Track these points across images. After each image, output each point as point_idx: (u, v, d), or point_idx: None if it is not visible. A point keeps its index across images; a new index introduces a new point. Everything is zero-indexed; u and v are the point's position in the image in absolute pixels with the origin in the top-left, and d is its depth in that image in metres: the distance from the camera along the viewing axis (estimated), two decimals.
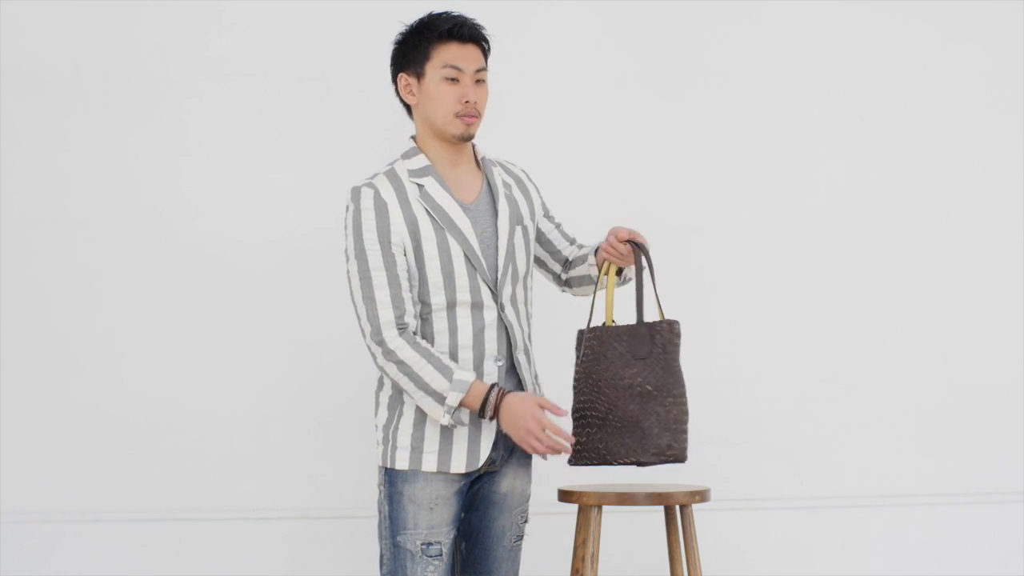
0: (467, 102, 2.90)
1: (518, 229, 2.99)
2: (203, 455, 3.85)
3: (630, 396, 2.83)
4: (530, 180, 3.12)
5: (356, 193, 2.89)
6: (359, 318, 2.87)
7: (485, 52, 2.96)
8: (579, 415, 2.91)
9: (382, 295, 2.84)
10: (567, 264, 3.13)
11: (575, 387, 2.94)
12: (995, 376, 4.05)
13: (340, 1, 3.91)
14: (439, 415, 2.83)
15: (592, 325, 2.95)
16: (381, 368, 2.87)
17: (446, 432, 2.89)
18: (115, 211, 3.86)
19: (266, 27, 3.90)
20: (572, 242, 3.15)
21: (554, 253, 3.13)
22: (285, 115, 3.90)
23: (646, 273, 2.92)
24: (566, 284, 3.15)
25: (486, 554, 3.01)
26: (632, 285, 3.01)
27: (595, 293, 3.02)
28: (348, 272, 2.89)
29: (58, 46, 3.85)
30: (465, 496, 2.95)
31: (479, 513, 3.00)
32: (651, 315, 2.97)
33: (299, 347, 3.88)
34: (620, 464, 2.84)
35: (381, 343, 2.83)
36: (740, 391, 3.97)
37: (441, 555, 2.89)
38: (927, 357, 4.04)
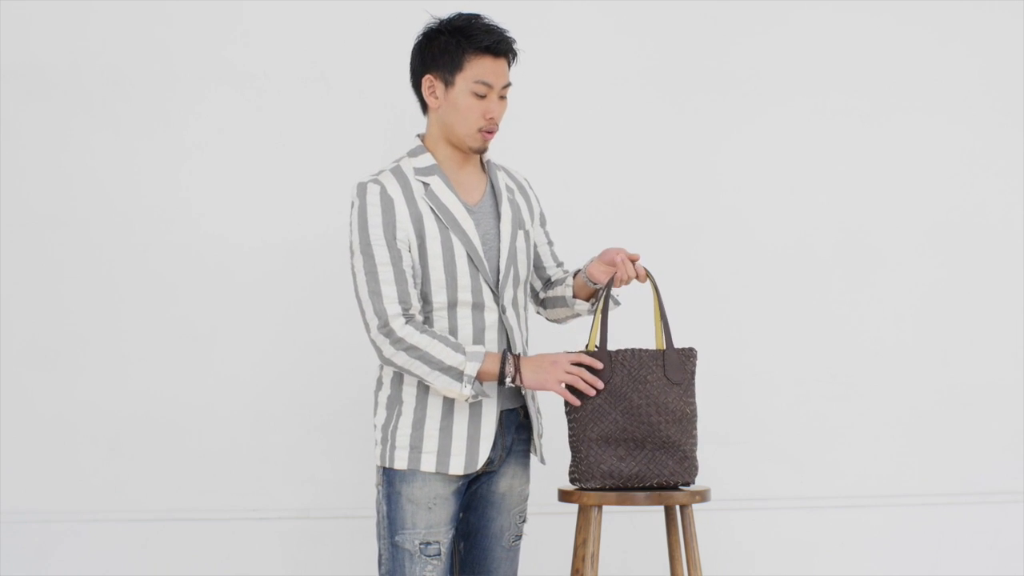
0: (491, 118, 2.90)
1: (520, 233, 2.98)
2: (203, 455, 3.85)
3: (672, 420, 2.88)
4: (531, 188, 3.11)
5: (362, 189, 2.88)
6: (363, 312, 2.85)
7: (510, 64, 2.94)
8: (603, 438, 2.87)
9: (388, 290, 2.83)
10: (548, 283, 3.13)
11: (596, 411, 2.88)
12: (995, 376, 4.04)
13: (340, 1, 3.91)
14: (458, 391, 2.81)
15: (619, 348, 2.89)
16: (388, 360, 2.84)
17: (445, 433, 2.88)
18: (116, 211, 3.86)
19: (266, 27, 3.90)
20: (559, 265, 3.15)
21: (539, 268, 3.12)
22: (285, 115, 3.90)
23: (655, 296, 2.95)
24: (541, 304, 3.14)
25: (484, 554, 3.01)
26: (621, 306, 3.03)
27: (597, 312, 2.93)
28: (353, 267, 2.88)
29: (60, 47, 3.85)
30: (463, 496, 2.95)
31: (477, 513, 3.00)
32: (646, 336, 2.99)
33: (299, 347, 3.88)
34: (656, 488, 2.89)
35: (389, 333, 2.81)
36: (740, 391, 3.96)
37: (440, 555, 2.89)
38: (927, 357, 4.04)
